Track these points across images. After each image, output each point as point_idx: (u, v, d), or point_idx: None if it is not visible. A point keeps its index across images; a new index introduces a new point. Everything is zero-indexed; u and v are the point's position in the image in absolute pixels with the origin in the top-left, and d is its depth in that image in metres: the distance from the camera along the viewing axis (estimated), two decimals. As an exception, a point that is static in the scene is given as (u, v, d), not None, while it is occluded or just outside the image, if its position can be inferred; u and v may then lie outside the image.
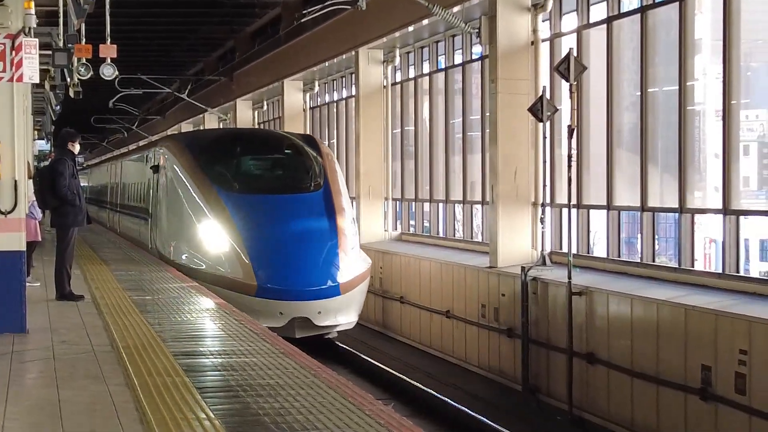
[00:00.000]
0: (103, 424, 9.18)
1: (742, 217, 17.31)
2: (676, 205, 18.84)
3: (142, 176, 32.37)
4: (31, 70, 14.65)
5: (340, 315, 21.20)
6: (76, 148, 18.80)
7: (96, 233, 37.19)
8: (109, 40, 23.28)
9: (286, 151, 26.11)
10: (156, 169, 27.55)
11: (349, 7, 28.11)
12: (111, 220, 46.10)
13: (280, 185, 24.46)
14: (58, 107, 43.92)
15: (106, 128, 77.97)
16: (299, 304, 20.44)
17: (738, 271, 17.33)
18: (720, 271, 17.67)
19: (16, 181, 14.50)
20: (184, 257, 23.32)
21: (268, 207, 23.08)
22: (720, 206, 17.56)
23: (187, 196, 24.00)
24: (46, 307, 16.52)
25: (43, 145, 48.47)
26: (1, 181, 14.31)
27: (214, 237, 22.05)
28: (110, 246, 32.05)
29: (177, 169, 25.03)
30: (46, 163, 25.26)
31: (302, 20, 33.61)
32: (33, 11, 15.00)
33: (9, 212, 14.33)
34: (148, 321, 15.13)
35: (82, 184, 53.92)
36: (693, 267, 18.42)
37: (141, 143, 54.25)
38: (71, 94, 32.86)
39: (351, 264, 21.78)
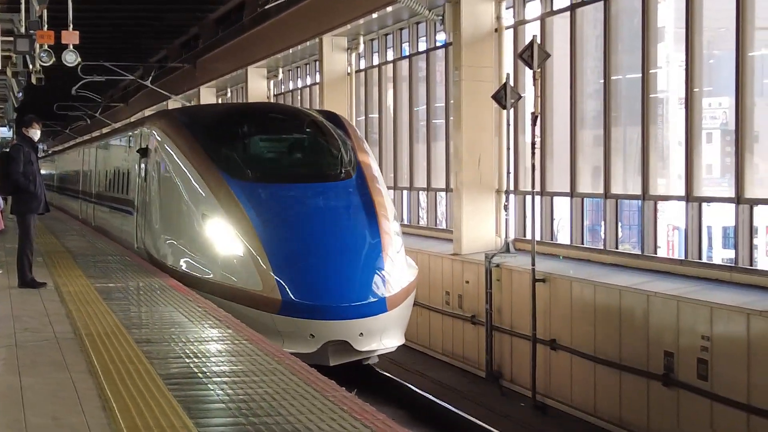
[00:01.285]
0: (65, 411, 9.14)
1: (704, 204, 17.40)
2: (639, 192, 18.93)
3: (125, 161, 26.93)
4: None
5: (386, 337, 15.93)
6: (36, 134, 18.56)
7: (65, 224, 36.85)
8: (71, 26, 23.25)
9: (307, 129, 20.14)
10: (144, 152, 21.83)
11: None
12: (83, 211, 40.22)
13: (303, 172, 18.74)
14: (21, 94, 43.80)
15: (69, 115, 77.67)
16: (336, 324, 15.32)
17: (701, 258, 17.42)
18: (683, 257, 17.77)
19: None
20: (183, 262, 18.15)
21: (290, 199, 17.67)
22: (683, 193, 17.66)
23: (187, 185, 18.66)
24: (8, 295, 16.46)
25: (6, 132, 48.38)
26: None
27: (224, 238, 16.83)
28: (76, 237, 31.80)
29: (172, 152, 19.71)
30: (6, 150, 24.78)
31: (266, 6, 33.65)
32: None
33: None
34: (111, 309, 15.09)
35: (47, 171, 53.73)
36: (656, 254, 18.50)
37: (104, 130, 53.18)
38: (33, 81, 32.85)
39: (398, 272, 16.52)
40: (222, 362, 11.43)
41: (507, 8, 23.72)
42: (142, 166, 22.03)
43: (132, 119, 43.96)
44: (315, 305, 15.47)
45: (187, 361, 11.51)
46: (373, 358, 16.87)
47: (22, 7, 21.50)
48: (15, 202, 17.89)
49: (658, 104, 19.00)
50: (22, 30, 22.68)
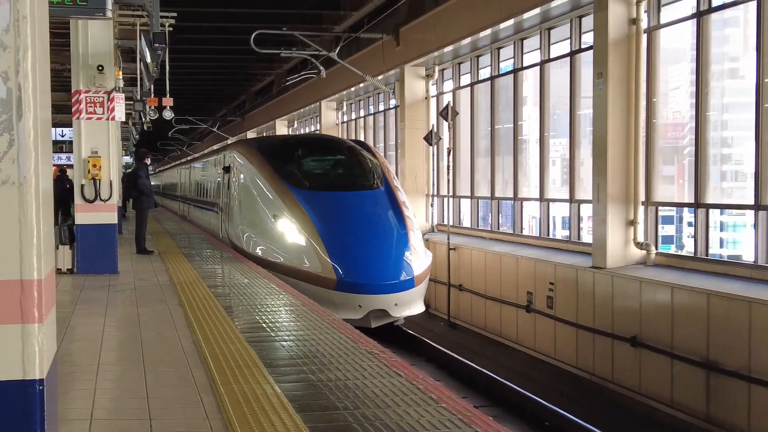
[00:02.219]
0: (165, 328, 9.25)
1: (551, 203, 17.58)
2: (512, 196, 19.07)
3: (212, 175, 25.10)
4: (120, 113, 14.75)
5: (413, 306, 15.04)
6: (148, 161, 19.02)
7: (165, 216, 36.76)
8: (168, 94, 23.14)
9: (346, 152, 18.52)
10: (227, 169, 20.44)
11: (314, 76, 28.02)
12: (180, 209, 37.94)
13: (345, 183, 17.11)
14: (137, 136, 43.62)
15: (167, 149, 77.62)
16: (378, 297, 14.40)
17: (549, 235, 17.57)
18: (538, 235, 17.90)
19: (111, 181, 14.57)
20: (260, 249, 16.60)
21: (338, 203, 16.23)
22: (538, 196, 17.83)
23: (261, 193, 17.18)
24: (130, 258, 16.52)
25: (128, 159, 47.95)
26: (102, 181, 14.37)
27: (293, 232, 15.50)
28: (172, 223, 31.78)
29: (249, 169, 18.15)
30: (130, 170, 24.73)
31: (286, 83, 33.51)
32: (121, 77, 15.10)
33: (107, 200, 14.42)
34: (193, 267, 15.16)
35: (155, 183, 53.59)
36: (522, 233, 18.62)
37: (193, 156, 52.79)
38: (145, 128, 32.87)
39: (420, 257, 15.47)
40: (260, 297, 11.33)
41: (432, 84, 23.74)
42: (226, 179, 20.45)
43: (214, 148, 42.77)
44: (362, 283, 14.41)
45: (242, 298, 11.49)
46: (399, 321, 15.57)
47: (138, 83, 21.45)
48: (136, 201, 18.19)
49: (522, 143, 19.09)
50: (138, 97, 22.63)
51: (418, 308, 15.32)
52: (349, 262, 14.71)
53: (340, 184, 17.18)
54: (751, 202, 11.70)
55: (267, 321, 9.50)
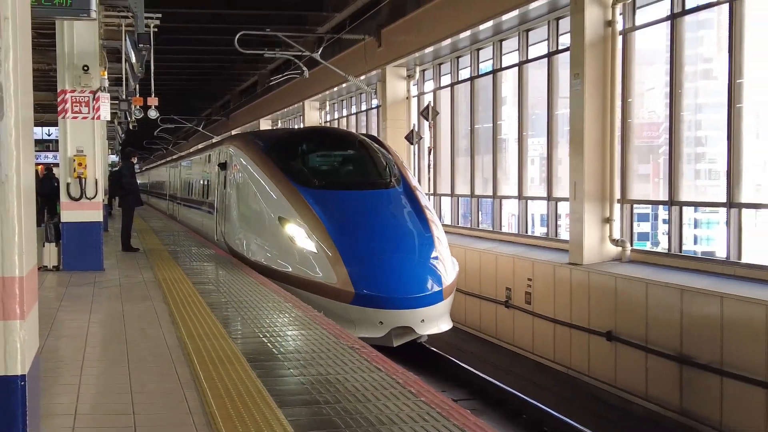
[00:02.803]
0: (149, 325, 9.23)
1: (529, 201, 17.62)
2: (491, 194, 19.10)
3: (206, 173, 22.41)
4: (105, 112, 14.66)
5: (441, 321, 12.46)
6: (135, 159, 19.02)
7: (151, 217, 36.57)
8: (153, 94, 23.06)
9: (357, 147, 15.66)
10: (223, 166, 17.88)
11: (298, 76, 28.02)
12: (170, 209, 35.24)
13: (359, 181, 14.43)
14: (123, 135, 43.45)
15: (153, 147, 77.29)
16: (402, 312, 11.88)
17: (527, 233, 17.61)
18: (517, 232, 17.93)
19: (96, 180, 14.53)
20: (262, 256, 14.22)
21: (353, 203, 13.65)
22: (517, 194, 17.86)
23: (264, 192, 14.69)
24: (115, 255, 16.46)
25: (114, 158, 47.76)
26: (88, 179, 14.32)
27: (301, 237, 13.00)
28: (163, 224, 31.64)
29: (249, 165, 15.57)
30: (116, 169, 24.53)
31: (270, 84, 33.47)
32: (106, 77, 15.02)
33: (92, 198, 14.36)
34: (178, 264, 15.11)
35: (141, 181, 53.30)
36: (501, 230, 18.64)
37: (179, 154, 52.22)
38: (130, 127, 32.58)
39: (448, 266, 12.90)
40: (241, 293, 11.29)
41: (413, 85, 23.78)
42: (222, 176, 17.91)
43: (213, 141, 41.02)
44: (384, 297, 11.88)
45: (224, 293, 11.43)
46: (423, 337, 12.92)
47: (123, 83, 21.38)
48: (122, 199, 18.10)
49: (502, 142, 19.13)
50: (123, 96, 22.56)
51: (446, 324, 12.79)
52: (368, 271, 12.23)
53: (354, 183, 14.53)
54: (724, 200, 11.77)
55: (250, 318, 9.49)
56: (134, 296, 11.38)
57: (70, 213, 14.31)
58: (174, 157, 48.88)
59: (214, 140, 27.66)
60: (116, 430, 5.49)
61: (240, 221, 16.02)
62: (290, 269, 13.08)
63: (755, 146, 11.64)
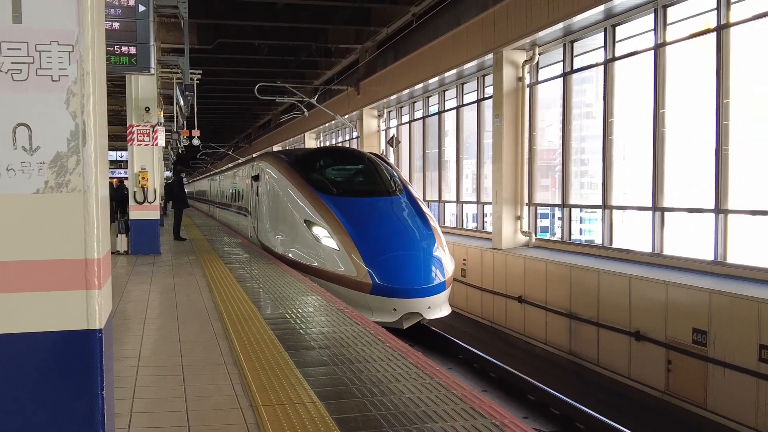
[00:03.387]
0: (192, 292, 9.12)
1: (464, 204, 17.63)
2: (437, 199, 19.10)
3: (240, 183, 20.11)
4: (161, 141, 14.54)
5: (443, 307, 11.16)
6: (183, 175, 18.84)
7: (195, 216, 36.28)
8: (196, 127, 22.96)
9: (366, 162, 13.86)
10: (256, 178, 15.88)
11: (300, 115, 27.91)
12: (210, 210, 32.44)
13: (370, 189, 12.83)
14: (174, 157, 43.08)
15: (196, 165, 76.75)
16: (413, 300, 10.70)
17: (462, 227, 17.63)
18: (455, 226, 17.95)
19: (155, 189, 14.38)
20: (291, 251, 12.47)
21: (366, 208, 12.13)
22: (455, 199, 17.88)
23: (292, 198, 12.93)
24: (169, 243, 16.30)
25: (168, 173, 47.48)
26: (149, 188, 14.18)
27: (325, 237, 11.49)
28: (204, 223, 31.32)
29: (279, 177, 13.75)
30: (169, 181, 24.41)
31: (280, 121, 33.36)
32: (161, 115, 14.92)
33: (152, 202, 14.22)
34: (214, 249, 14.98)
35: (188, 190, 52.84)
36: (444, 225, 18.62)
37: (213, 171, 51.83)
38: (179, 151, 32.47)
39: (448, 261, 11.55)
40: (264, 272, 11.01)
41: (382, 122, 23.73)
42: (255, 186, 15.90)
43: (240, 161, 40.02)
44: (397, 288, 10.61)
45: (250, 272, 11.20)
46: (424, 320, 11.28)
47: (174, 119, 21.27)
48: (175, 203, 17.72)
49: (445, 163, 19.13)
50: (174, 129, 22.45)
51: (447, 309, 11.41)
52: (383, 266, 10.87)
53: (366, 191, 12.85)
54: (599, 203, 11.88)
55: (267, 289, 9.43)
56: (182, 272, 11.29)
57: (136, 213, 14.16)
58: (212, 172, 48.42)
59: (240, 161, 26.83)
60: (169, 369, 5.44)
61: (270, 222, 14.17)
62: (316, 263, 11.60)
63: (621, 166, 11.73)
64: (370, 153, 15.42)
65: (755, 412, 7.70)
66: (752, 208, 9.01)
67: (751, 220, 9.13)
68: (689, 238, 10.19)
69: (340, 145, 30.97)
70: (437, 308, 10.94)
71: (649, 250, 10.60)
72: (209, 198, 35.91)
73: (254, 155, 17.46)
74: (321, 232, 11.65)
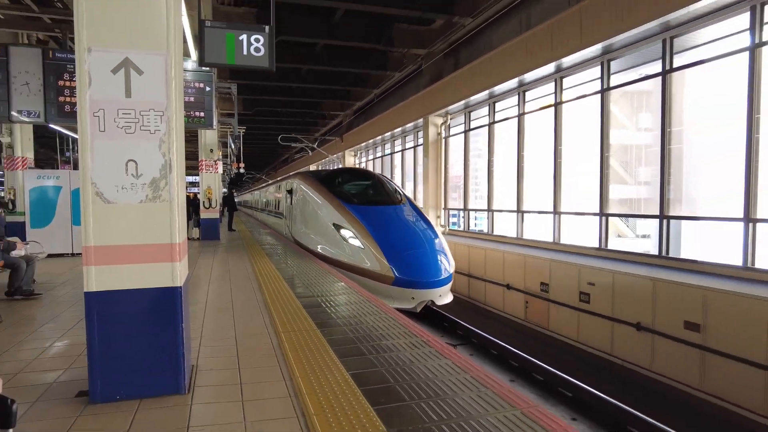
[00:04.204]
0: (241, 264, 8.88)
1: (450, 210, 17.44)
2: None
3: (277, 194, 16.69)
4: (220, 170, 14.09)
5: (449, 295, 8.81)
6: (234, 192, 18.32)
7: (245, 217, 35.44)
8: (242, 160, 22.52)
9: (374, 178, 11.31)
10: (290, 191, 12.82)
11: (307, 154, 27.49)
12: (255, 215, 27.18)
13: (382, 199, 10.41)
14: (228, 179, 42.22)
15: (243, 184, 75.36)
16: (428, 291, 8.55)
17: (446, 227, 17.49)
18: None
19: (216, 200, 14.01)
20: (322, 247, 9.92)
21: (382, 214, 9.80)
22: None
23: (321, 206, 10.38)
24: (225, 234, 15.92)
25: (225, 190, 46.44)
26: (212, 199, 13.84)
27: (353, 237, 9.23)
28: (247, 220, 30.62)
29: (311, 190, 11.09)
30: (225, 195, 23.84)
31: (295, 158, 32.78)
32: (220, 154, 14.51)
33: (214, 207, 13.87)
34: (255, 239, 14.66)
35: (238, 200, 51.49)
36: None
37: (254, 188, 50.68)
38: (231, 175, 31.64)
39: (450, 257, 9.17)
40: (290, 256, 9.84)
41: (358, 160, 23.51)
42: (289, 197, 12.86)
43: (263, 185, 34.01)
44: (416, 280, 8.36)
45: (276, 251, 10.54)
46: (432, 304, 8.50)
47: (229, 155, 20.83)
48: (229, 208, 17.22)
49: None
50: (228, 162, 21.98)
51: (450, 296, 8.92)
52: (402, 262, 8.56)
53: (379, 200, 10.29)
54: (485, 207, 11.98)
55: (287, 261, 9.16)
56: (233, 252, 10.98)
57: (204, 214, 13.82)
58: (253, 188, 47.59)
59: (278, 179, 25.30)
60: (224, 310, 5.32)
61: (303, 224, 11.41)
62: (345, 259, 9.04)
63: (500, 186, 11.83)
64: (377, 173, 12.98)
65: (577, 331, 7.89)
66: (540, 209, 9.17)
67: (547, 217, 9.27)
68: (538, 229, 10.36)
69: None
70: (445, 296, 8.85)
71: (515, 235, 10.69)
72: (252, 205, 33.64)
73: (289, 175, 14.49)
74: (347, 233, 9.34)
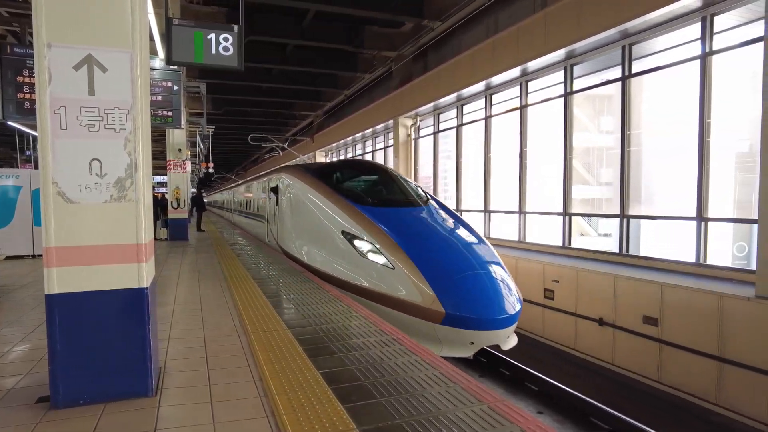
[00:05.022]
0: (209, 264, 8.70)
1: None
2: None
3: (258, 194, 12.67)
4: (188, 169, 13.84)
5: (515, 336, 5.06)
6: (203, 191, 17.99)
7: (215, 217, 34.65)
8: (211, 160, 22.11)
9: (381, 171, 7.27)
10: (275, 189, 9.26)
11: (278, 154, 27.21)
12: (228, 216, 21.91)
13: (403, 199, 6.31)
14: (197, 179, 41.29)
15: (212, 183, 73.81)
16: (495, 333, 4.48)
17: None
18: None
19: (184, 200, 13.72)
20: (326, 265, 6.05)
21: (412, 220, 5.67)
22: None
23: (320, 208, 6.60)
24: (193, 234, 15.60)
25: (193, 190, 45.41)
26: (181, 199, 13.55)
27: (373, 252, 5.23)
28: (217, 220, 30.03)
29: (303, 187, 7.33)
30: (194, 195, 23.31)
31: (265, 158, 32.44)
32: (189, 153, 14.22)
33: (183, 207, 13.58)
34: (225, 239, 14.43)
35: (207, 200, 50.37)
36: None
37: (224, 187, 49.40)
38: (200, 175, 30.96)
39: (513, 283, 5.09)
40: (261, 257, 9.39)
41: (328, 159, 23.44)
42: (273, 197, 9.50)
43: (256, 176, 30.48)
44: (478, 318, 4.84)
45: (245, 251, 10.43)
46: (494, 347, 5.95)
47: (197, 155, 20.41)
48: (198, 208, 16.81)
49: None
50: (197, 162, 21.55)
51: (516, 338, 5.54)
52: (456, 292, 5.12)
53: (399, 200, 6.76)
54: (454, 207, 12.15)
55: (254, 258, 9.09)
56: (202, 252, 10.78)
57: (172, 214, 13.52)
58: (223, 187, 46.45)
59: (248, 178, 22.72)
60: (193, 311, 5.23)
61: (295, 231, 7.82)
62: (365, 283, 5.65)
63: (469, 189, 12.03)
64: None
65: (542, 327, 7.95)
66: (508, 209, 9.38)
67: (518, 217, 9.48)
68: (505, 228, 10.55)
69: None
70: (512, 337, 5.51)
71: (483, 234, 10.92)
72: (224, 205, 30.61)
73: (273, 169, 11.73)
74: (365, 245, 5.90)
